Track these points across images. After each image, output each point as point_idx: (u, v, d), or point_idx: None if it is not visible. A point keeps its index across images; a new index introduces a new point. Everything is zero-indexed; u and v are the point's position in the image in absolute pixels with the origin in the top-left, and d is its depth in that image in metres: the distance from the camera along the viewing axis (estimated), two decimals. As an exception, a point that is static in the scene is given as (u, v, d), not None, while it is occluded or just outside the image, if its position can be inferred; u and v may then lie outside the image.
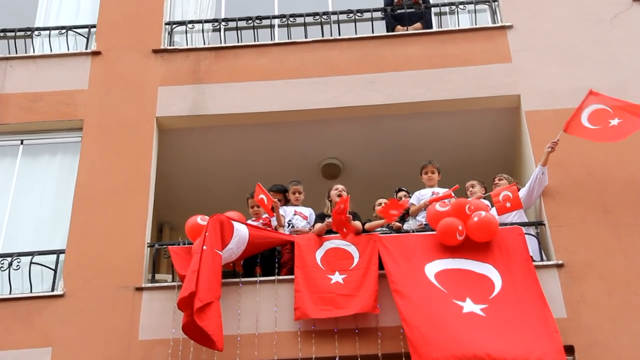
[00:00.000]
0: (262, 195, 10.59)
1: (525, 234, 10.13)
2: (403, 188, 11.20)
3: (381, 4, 12.83)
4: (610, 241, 10.14)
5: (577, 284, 9.87)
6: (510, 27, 11.99)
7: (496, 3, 12.46)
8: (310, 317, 9.61)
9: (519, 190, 10.62)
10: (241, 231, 10.02)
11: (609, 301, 9.74)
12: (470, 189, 10.96)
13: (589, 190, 10.54)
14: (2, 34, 12.43)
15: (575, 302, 9.75)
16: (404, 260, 9.90)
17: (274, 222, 10.75)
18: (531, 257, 9.98)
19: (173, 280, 10.33)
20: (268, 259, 10.33)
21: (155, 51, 12.11)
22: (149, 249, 10.61)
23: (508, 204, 10.45)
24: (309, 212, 10.87)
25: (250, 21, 12.51)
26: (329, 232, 10.31)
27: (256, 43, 12.30)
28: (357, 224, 10.30)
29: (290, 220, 10.78)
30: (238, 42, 12.38)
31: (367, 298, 9.65)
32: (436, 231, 10.04)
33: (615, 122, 10.46)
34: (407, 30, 12.34)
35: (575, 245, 10.14)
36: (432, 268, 9.82)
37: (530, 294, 9.52)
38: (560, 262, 10.04)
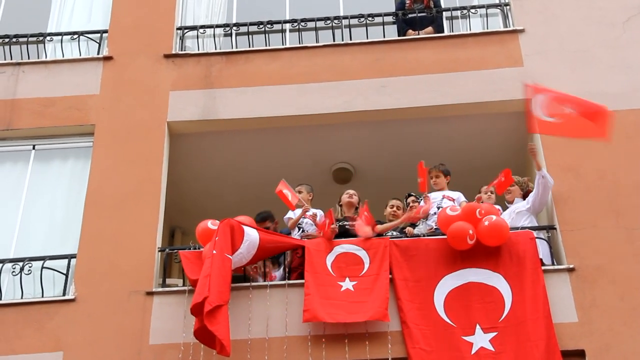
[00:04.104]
0: (285, 190, 10.60)
1: (536, 238, 10.11)
2: (412, 193, 11.17)
3: (393, 9, 12.84)
4: (622, 245, 10.10)
5: (589, 288, 9.84)
6: (522, 31, 11.96)
7: (508, 7, 12.43)
8: (319, 320, 9.59)
9: (530, 191, 10.63)
10: (252, 235, 10.01)
11: (620, 305, 9.71)
12: (483, 195, 10.91)
13: (601, 194, 10.51)
14: (14, 39, 12.48)
15: (587, 306, 9.72)
16: (415, 280, 9.90)
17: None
18: (541, 260, 9.97)
19: (184, 285, 10.33)
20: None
21: (167, 56, 12.13)
22: (159, 253, 10.62)
23: (503, 178, 10.44)
24: (319, 214, 10.85)
25: (261, 26, 12.51)
26: (340, 236, 10.31)
27: (267, 48, 12.29)
28: (368, 230, 10.30)
29: (300, 224, 10.78)
30: (249, 46, 12.38)
31: (378, 306, 9.66)
32: (447, 235, 10.01)
33: (570, 109, 10.18)
34: (418, 34, 12.32)
35: (586, 250, 10.10)
36: (443, 289, 9.82)
37: (538, 312, 9.52)
38: (571, 266, 10.01)
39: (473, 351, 9.38)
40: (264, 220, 10.95)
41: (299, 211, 10.85)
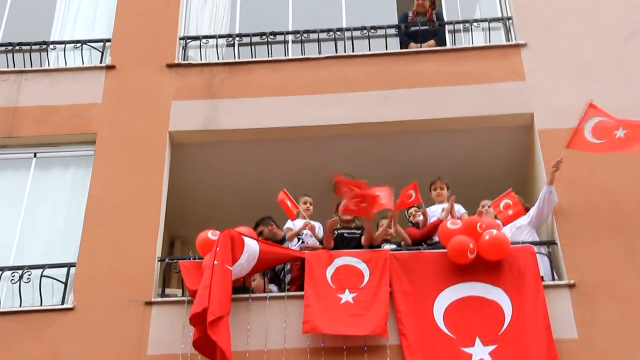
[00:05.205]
0: (287, 200, 10.71)
1: (537, 253, 10.08)
2: (414, 205, 11.19)
3: (395, 21, 12.84)
4: (623, 261, 10.08)
5: (589, 304, 9.80)
6: (524, 45, 11.96)
7: (510, 21, 12.43)
8: (319, 331, 9.57)
9: (528, 210, 10.62)
10: (251, 246, 10.00)
11: (621, 322, 9.67)
12: (482, 209, 10.91)
13: (602, 209, 10.48)
14: (17, 48, 12.49)
15: (587, 322, 9.68)
16: (414, 294, 9.87)
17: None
18: (542, 277, 9.92)
19: (183, 295, 10.29)
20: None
21: (169, 66, 12.14)
22: (159, 263, 10.60)
23: (510, 212, 10.46)
24: (317, 226, 10.86)
25: (264, 37, 12.52)
26: (338, 244, 10.34)
27: (270, 59, 12.29)
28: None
29: (299, 236, 10.77)
30: (252, 57, 12.38)
31: (378, 321, 9.64)
32: (447, 249, 9.99)
33: (620, 133, 10.24)
34: (420, 47, 12.33)
35: (587, 265, 10.08)
36: (442, 302, 9.79)
37: (538, 325, 9.49)
38: (572, 281, 9.98)
39: None
40: (256, 226, 10.95)
41: (298, 222, 10.86)
